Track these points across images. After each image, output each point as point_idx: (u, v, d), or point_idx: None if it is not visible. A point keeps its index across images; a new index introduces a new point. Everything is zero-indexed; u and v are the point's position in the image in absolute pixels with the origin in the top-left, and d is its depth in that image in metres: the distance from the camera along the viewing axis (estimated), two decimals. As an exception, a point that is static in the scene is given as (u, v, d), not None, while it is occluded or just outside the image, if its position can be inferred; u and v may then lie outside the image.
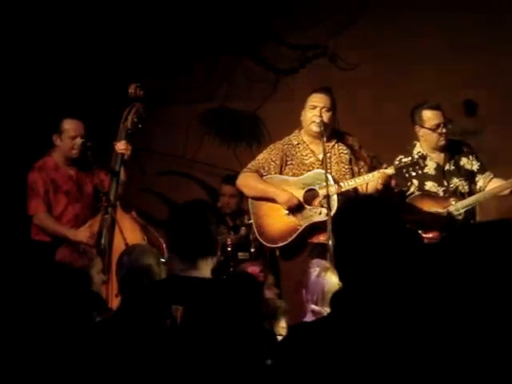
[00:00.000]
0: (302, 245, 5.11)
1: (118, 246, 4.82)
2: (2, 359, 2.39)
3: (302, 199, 5.13)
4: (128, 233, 4.94)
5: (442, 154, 5.31)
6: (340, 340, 1.90)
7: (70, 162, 5.35)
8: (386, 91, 6.81)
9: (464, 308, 1.82)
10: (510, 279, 1.83)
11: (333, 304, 2.03)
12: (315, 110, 5.14)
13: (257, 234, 5.26)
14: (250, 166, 5.33)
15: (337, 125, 5.30)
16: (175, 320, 2.96)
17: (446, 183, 5.25)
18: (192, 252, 2.84)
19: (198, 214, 2.89)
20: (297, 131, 5.31)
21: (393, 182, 5.07)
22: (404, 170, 5.03)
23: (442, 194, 5.23)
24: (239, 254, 5.92)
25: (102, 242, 5.04)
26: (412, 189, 5.24)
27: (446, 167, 5.29)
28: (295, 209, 5.12)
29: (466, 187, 5.25)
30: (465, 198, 5.18)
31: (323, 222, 4.96)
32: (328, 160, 5.07)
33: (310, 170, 5.17)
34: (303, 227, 5.11)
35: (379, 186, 4.99)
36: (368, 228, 1.96)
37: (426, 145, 5.29)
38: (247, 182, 5.30)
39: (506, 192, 5.17)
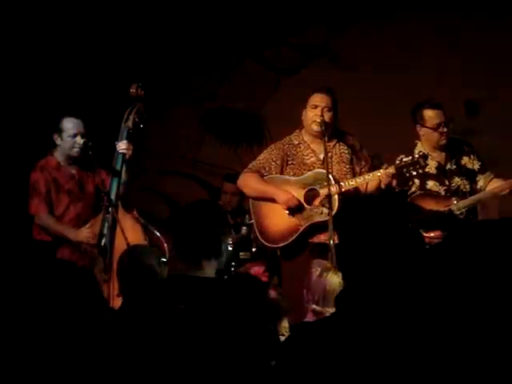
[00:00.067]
0: (302, 245, 5.12)
1: (120, 246, 4.83)
2: (7, 356, 2.40)
3: (302, 199, 5.14)
4: (129, 232, 4.95)
5: (443, 153, 5.32)
6: (344, 340, 1.91)
7: (71, 161, 5.34)
8: (386, 91, 6.82)
9: (468, 307, 1.82)
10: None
11: (337, 304, 2.04)
12: (316, 110, 5.14)
13: (258, 234, 5.26)
14: (250, 166, 5.33)
15: (338, 124, 5.30)
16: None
17: (447, 182, 5.25)
18: (196, 253, 2.84)
19: (203, 215, 2.88)
20: (298, 131, 5.31)
21: (393, 182, 5.07)
22: (405, 170, 5.04)
23: (443, 193, 5.23)
24: (240, 253, 5.92)
25: (103, 241, 5.05)
26: (413, 188, 5.24)
27: (448, 166, 5.30)
28: (295, 209, 5.12)
29: (468, 186, 5.26)
30: (466, 197, 5.19)
31: (324, 222, 4.96)
32: (329, 160, 5.08)
33: (310, 170, 5.18)
34: (304, 227, 5.11)
35: (380, 186, 4.99)
36: (373, 227, 1.97)
37: (427, 144, 5.30)
38: (248, 182, 5.30)
39: (506, 192, 5.18)
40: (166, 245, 5.00)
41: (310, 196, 5.14)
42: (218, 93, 7.31)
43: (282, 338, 3.66)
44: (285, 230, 5.16)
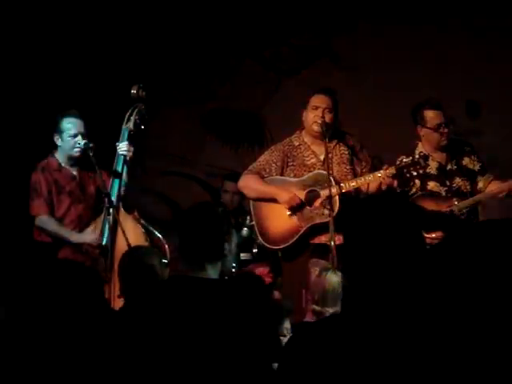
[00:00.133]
0: (303, 246, 5.12)
1: (121, 247, 4.84)
2: (13, 355, 2.40)
3: (303, 200, 5.14)
4: (130, 233, 4.96)
5: (444, 154, 5.32)
6: (347, 341, 1.91)
7: (72, 161, 5.32)
8: (386, 91, 6.82)
9: (470, 308, 1.83)
10: (513, 278, 1.84)
11: (342, 304, 2.04)
12: (317, 111, 5.14)
13: (258, 236, 5.26)
14: (251, 167, 5.33)
15: (338, 125, 5.30)
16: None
17: (448, 183, 5.26)
18: (200, 256, 2.83)
19: (209, 218, 2.87)
20: (298, 132, 5.31)
21: (394, 183, 5.07)
22: (405, 170, 5.04)
23: (444, 193, 5.23)
24: (241, 254, 5.92)
25: (104, 242, 5.05)
26: (414, 189, 5.25)
27: (448, 167, 5.30)
28: (297, 209, 5.13)
29: (468, 187, 5.26)
30: (467, 198, 5.19)
31: (325, 223, 4.96)
32: (329, 161, 5.08)
33: (311, 171, 5.18)
34: (305, 228, 5.11)
35: (381, 187, 4.99)
36: (374, 228, 1.97)
37: (428, 144, 5.30)
38: (248, 183, 5.30)
39: (504, 194, 5.18)
40: (166, 246, 5.01)
41: (311, 197, 5.14)
42: (219, 93, 7.31)
43: (284, 339, 3.65)
44: (285, 232, 5.16)
